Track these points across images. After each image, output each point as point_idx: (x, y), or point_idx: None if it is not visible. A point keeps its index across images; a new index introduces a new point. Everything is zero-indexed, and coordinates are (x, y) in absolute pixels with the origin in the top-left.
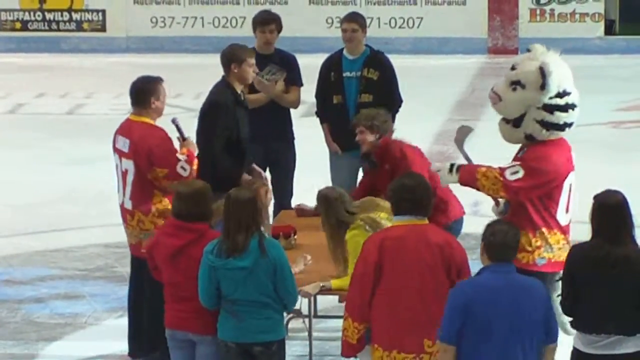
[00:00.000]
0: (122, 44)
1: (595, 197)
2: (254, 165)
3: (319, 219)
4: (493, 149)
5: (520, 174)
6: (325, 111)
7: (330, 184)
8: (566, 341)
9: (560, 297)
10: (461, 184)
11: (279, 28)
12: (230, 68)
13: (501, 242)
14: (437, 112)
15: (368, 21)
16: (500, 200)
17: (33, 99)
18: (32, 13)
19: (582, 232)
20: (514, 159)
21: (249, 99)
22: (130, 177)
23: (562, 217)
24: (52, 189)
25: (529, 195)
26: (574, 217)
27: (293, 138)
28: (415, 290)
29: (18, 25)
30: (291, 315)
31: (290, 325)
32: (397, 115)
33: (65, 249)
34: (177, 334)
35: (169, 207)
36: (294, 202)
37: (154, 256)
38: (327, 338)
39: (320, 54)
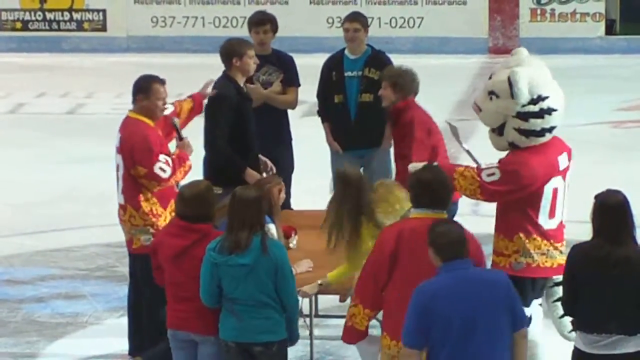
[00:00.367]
0: (122, 44)
1: (596, 197)
2: (267, 161)
3: (319, 218)
4: (493, 149)
5: (497, 176)
6: (326, 110)
7: (331, 183)
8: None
9: (557, 303)
10: None
11: (275, 29)
12: (231, 62)
13: (447, 241)
14: (437, 112)
15: (369, 21)
16: None
17: (34, 98)
18: (32, 13)
19: (582, 232)
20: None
21: None
22: (120, 172)
23: (545, 222)
24: (52, 188)
25: (504, 199)
26: (574, 217)
27: (290, 139)
28: None
29: (19, 25)
30: None
31: None
32: None
33: (65, 249)
34: (178, 334)
35: (158, 205)
36: (294, 204)
37: (157, 256)
38: (328, 337)
39: (321, 53)
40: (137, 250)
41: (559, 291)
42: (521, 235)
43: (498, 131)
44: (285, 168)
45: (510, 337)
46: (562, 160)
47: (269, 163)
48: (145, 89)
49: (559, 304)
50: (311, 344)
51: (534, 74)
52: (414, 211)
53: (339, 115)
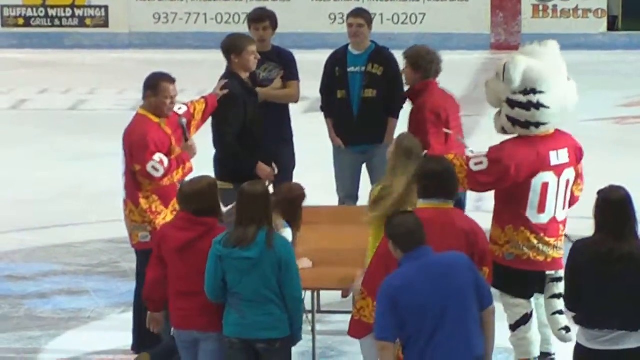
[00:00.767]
0: (124, 40)
1: (599, 193)
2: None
3: (320, 215)
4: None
5: (484, 165)
6: (329, 106)
7: (333, 178)
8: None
9: (552, 299)
10: None
11: (274, 25)
12: (230, 59)
13: (405, 231)
14: None
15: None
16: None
17: (36, 94)
18: (34, 9)
19: (585, 228)
20: None
21: None
22: (123, 168)
23: (533, 216)
24: (54, 184)
25: (487, 189)
26: (577, 213)
27: (292, 136)
28: None
29: (21, 21)
30: None
31: None
32: (401, 112)
33: (68, 245)
34: (182, 334)
35: (158, 202)
36: None
37: (161, 249)
38: (331, 333)
39: (324, 50)
40: (136, 246)
41: (555, 288)
42: (511, 227)
43: (498, 113)
44: (286, 165)
45: (478, 315)
46: (558, 156)
47: (273, 164)
48: (154, 86)
49: (553, 300)
50: (313, 340)
51: (535, 67)
52: (421, 202)
53: (341, 111)
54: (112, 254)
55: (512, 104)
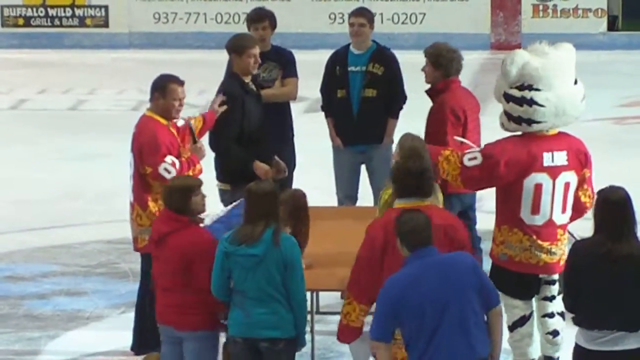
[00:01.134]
0: (124, 40)
1: (599, 193)
2: (279, 161)
3: (320, 215)
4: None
5: (478, 161)
6: (329, 105)
7: (333, 178)
8: (568, 337)
9: (543, 301)
10: None
11: (273, 24)
12: (232, 58)
13: (411, 229)
14: None
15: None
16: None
17: (35, 95)
18: (34, 9)
19: (584, 228)
20: None
21: None
22: (131, 170)
23: (527, 217)
24: (54, 185)
25: (479, 186)
26: None
27: (292, 136)
28: None
29: (21, 21)
30: None
31: None
32: (401, 112)
33: (67, 245)
34: (163, 329)
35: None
36: None
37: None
38: (330, 334)
39: (324, 49)
40: (142, 249)
41: (547, 290)
42: (506, 227)
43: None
44: (286, 165)
45: (483, 316)
46: (553, 158)
47: (282, 164)
48: (162, 87)
49: (544, 302)
50: (312, 341)
51: (534, 64)
52: (399, 201)
53: (341, 110)
54: (112, 254)
55: (507, 98)
